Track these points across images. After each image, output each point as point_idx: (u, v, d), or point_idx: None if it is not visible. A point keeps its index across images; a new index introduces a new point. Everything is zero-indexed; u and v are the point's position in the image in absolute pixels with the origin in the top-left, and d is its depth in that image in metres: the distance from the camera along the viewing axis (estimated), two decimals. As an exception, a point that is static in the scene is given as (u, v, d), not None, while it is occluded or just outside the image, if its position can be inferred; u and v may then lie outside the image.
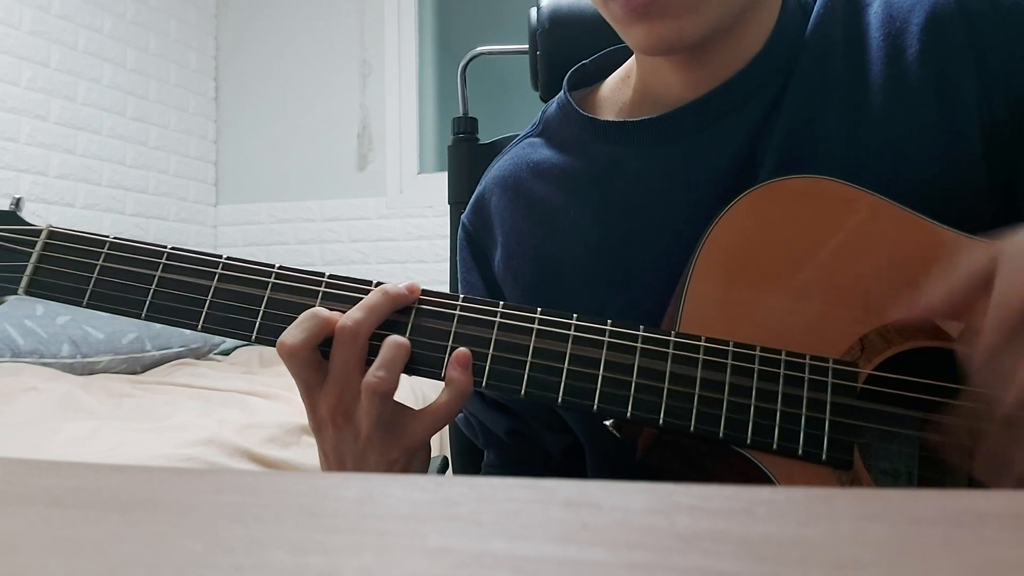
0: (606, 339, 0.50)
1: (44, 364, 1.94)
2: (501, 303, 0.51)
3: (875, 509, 0.21)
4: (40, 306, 2.12)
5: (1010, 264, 0.42)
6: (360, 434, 0.51)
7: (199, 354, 2.45)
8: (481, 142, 1.04)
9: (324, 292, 0.52)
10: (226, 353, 2.65)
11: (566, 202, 0.64)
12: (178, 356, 2.36)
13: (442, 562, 0.17)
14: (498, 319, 0.51)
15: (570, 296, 0.60)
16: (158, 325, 2.30)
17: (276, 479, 0.27)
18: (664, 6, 0.53)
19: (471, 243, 0.70)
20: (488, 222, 0.68)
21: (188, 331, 2.38)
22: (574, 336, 0.50)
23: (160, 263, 0.54)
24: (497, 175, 0.69)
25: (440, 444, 2.02)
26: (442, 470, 1.20)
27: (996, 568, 0.17)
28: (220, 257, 0.53)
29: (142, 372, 2.24)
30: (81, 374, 2.02)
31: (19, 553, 0.18)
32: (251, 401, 1.78)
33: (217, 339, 2.52)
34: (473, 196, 0.71)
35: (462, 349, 0.50)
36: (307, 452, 1.58)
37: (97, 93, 2.69)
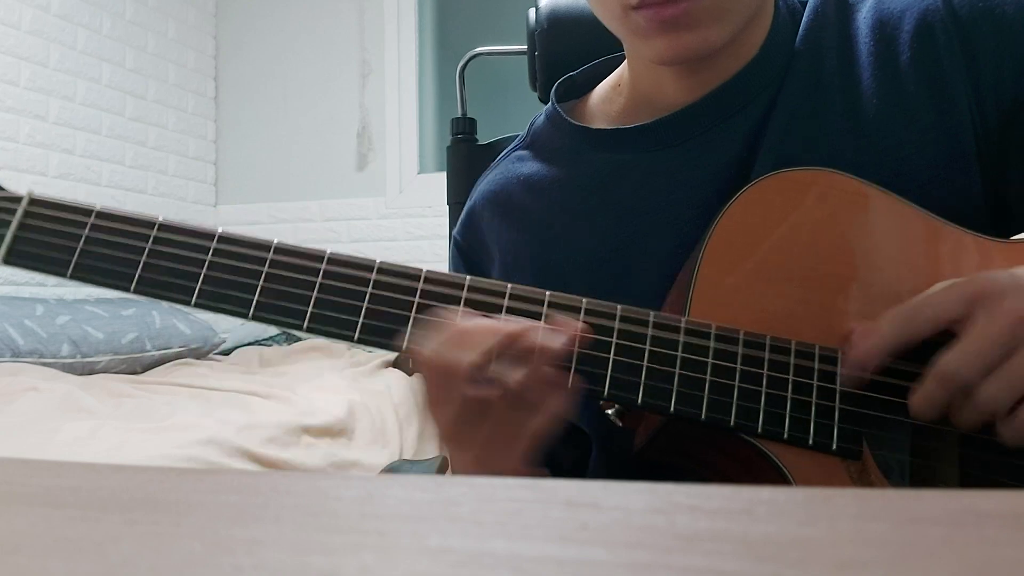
0: (616, 325, 0.49)
1: (44, 364, 1.94)
2: (509, 286, 0.50)
3: (875, 508, 0.21)
4: (40, 306, 2.12)
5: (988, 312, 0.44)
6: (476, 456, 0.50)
7: (199, 354, 2.45)
8: (480, 143, 1.04)
9: (325, 270, 0.50)
10: (226, 353, 2.65)
11: (561, 213, 0.64)
12: (178, 356, 2.36)
13: (442, 562, 0.17)
14: (506, 302, 0.50)
15: None
16: (158, 324, 2.31)
17: (276, 479, 0.27)
18: (692, 18, 0.53)
19: (465, 259, 0.69)
20: (481, 238, 0.68)
21: (188, 330, 2.38)
22: (584, 322, 0.49)
23: (151, 235, 0.51)
24: (487, 190, 0.69)
25: (440, 444, 2.02)
26: (442, 470, 1.19)
27: (996, 568, 0.17)
28: (215, 230, 0.51)
29: (142, 372, 2.23)
30: (81, 374, 2.02)
31: (19, 553, 0.18)
32: (251, 401, 1.78)
33: (217, 339, 2.52)
34: (463, 212, 0.70)
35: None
36: (307, 452, 1.58)
37: (96, 93, 2.68)
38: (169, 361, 2.33)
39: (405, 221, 3.01)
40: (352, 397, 1.86)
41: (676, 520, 0.20)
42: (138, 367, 2.24)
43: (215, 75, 3.24)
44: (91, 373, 2.07)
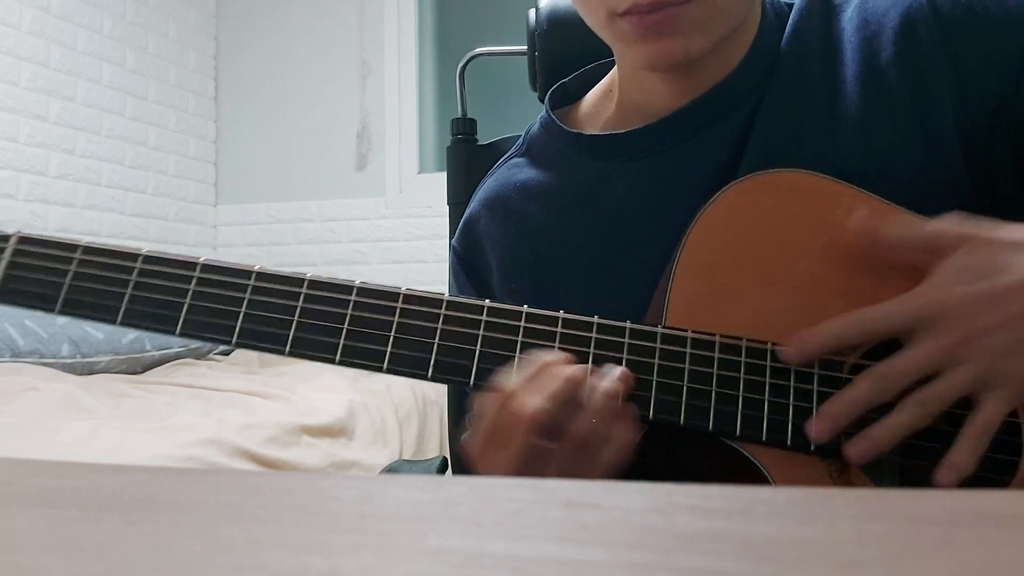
0: (593, 335, 0.50)
1: (44, 364, 1.94)
2: (487, 302, 0.51)
3: (874, 509, 0.21)
4: (40, 306, 2.11)
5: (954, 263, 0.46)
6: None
7: (199, 354, 2.45)
8: (480, 143, 1.04)
9: (306, 295, 0.51)
10: (226, 353, 2.65)
11: (557, 220, 0.64)
12: (178, 356, 2.36)
13: (442, 562, 0.17)
14: (484, 317, 0.51)
15: (572, 313, 0.60)
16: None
17: (276, 479, 0.27)
18: (676, 24, 0.54)
19: (465, 266, 0.70)
20: (480, 245, 0.68)
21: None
22: (561, 334, 0.50)
23: (135, 267, 0.52)
24: (484, 197, 0.69)
25: (440, 444, 2.02)
26: (442, 470, 1.19)
27: (996, 568, 0.17)
28: (198, 259, 0.52)
29: (142, 372, 2.24)
30: (81, 374, 2.02)
31: (19, 553, 0.18)
32: (251, 401, 1.78)
33: (217, 339, 2.52)
34: (462, 220, 0.71)
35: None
36: (307, 452, 1.58)
37: (96, 93, 2.68)
38: (169, 361, 2.33)
39: (405, 221, 3.01)
40: (352, 397, 1.86)
41: (676, 520, 0.20)
42: (138, 367, 2.24)
43: (215, 75, 3.24)
44: (91, 373, 2.07)
